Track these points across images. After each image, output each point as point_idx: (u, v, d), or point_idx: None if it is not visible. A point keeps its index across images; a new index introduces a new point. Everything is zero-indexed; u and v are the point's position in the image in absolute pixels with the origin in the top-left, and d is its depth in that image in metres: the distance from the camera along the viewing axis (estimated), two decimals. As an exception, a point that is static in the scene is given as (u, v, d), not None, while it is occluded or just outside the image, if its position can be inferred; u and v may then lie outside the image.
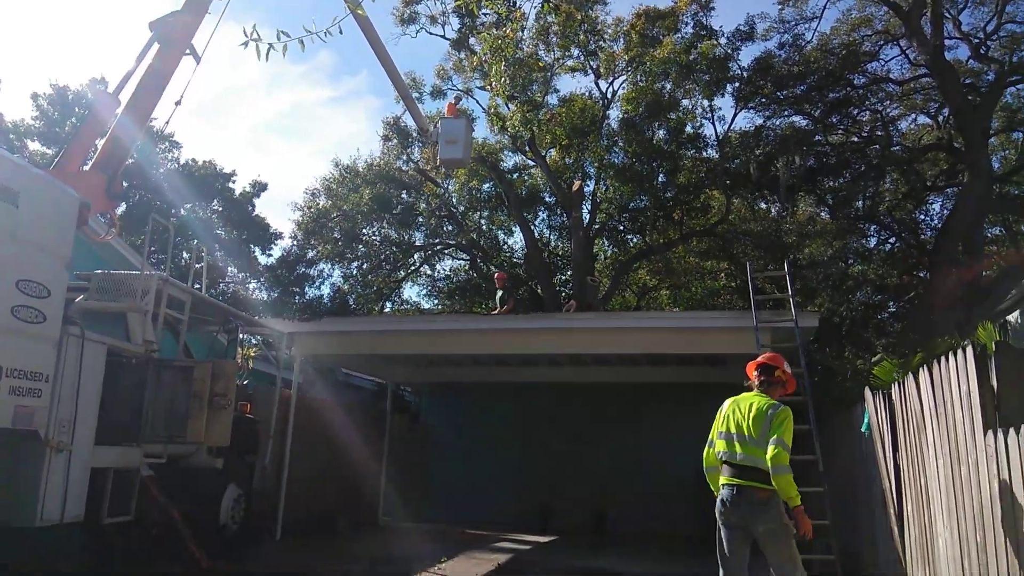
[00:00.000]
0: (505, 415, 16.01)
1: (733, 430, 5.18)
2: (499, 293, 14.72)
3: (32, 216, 5.89)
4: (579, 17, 19.06)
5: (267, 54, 4.33)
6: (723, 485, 5.16)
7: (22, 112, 42.02)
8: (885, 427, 7.45)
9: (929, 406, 6.03)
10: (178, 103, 8.69)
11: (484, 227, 24.71)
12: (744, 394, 5.41)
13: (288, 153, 63.08)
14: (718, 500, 5.19)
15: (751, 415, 5.12)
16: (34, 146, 22.79)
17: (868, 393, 8.20)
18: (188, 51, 8.60)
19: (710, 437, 5.41)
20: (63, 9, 53.82)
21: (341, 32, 4.25)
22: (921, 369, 6.34)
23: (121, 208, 8.64)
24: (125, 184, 8.75)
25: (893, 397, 7.24)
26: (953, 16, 18.74)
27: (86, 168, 8.18)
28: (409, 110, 11.49)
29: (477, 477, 15.59)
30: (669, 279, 23.97)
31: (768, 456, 4.82)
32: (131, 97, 8.25)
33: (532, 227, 22.97)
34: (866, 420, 8.15)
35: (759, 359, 5.56)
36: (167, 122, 14.12)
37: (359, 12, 4.65)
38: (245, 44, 4.24)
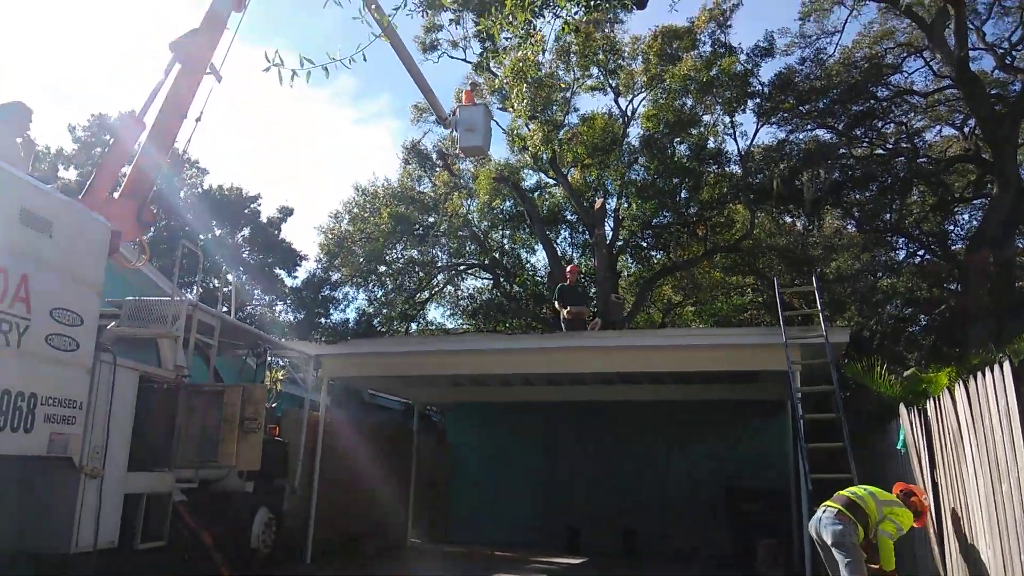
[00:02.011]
0: (531, 434, 15.94)
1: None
2: (559, 290, 13.61)
3: (65, 245, 5.98)
4: (598, 37, 19.16)
5: (291, 80, 4.35)
6: None
7: (61, 141, 42.85)
8: (921, 444, 7.30)
9: (966, 421, 5.90)
10: (198, 120, 8.52)
11: (506, 246, 24.78)
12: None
13: (313, 174, 63.79)
14: None
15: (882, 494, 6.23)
16: (69, 174, 23.23)
17: (903, 409, 8.05)
18: (209, 70, 8.52)
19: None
20: (105, 38, 54.77)
21: (365, 59, 4.27)
22: (956, 384, 6.22)
23: (150, 233, 8.73)
24: (155, 210, 8.79)
25: (928, 413, 7.10)
26: (977, 27, 18.58)
27: (116, 195, 8.25)
28: (428, 100, 11.44)
29: (504, 497, 15.51)
30: (694, 295, 23.85)
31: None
32: (155, 121, 8.17)
33: (555, 245, 22.98)
34: (901, 437, 7.99)
35: (910, 489, 6.50)
36: (188, 140, 14.23)
37: (383, 38, 4.68)
38: (267, 69, 4.26)
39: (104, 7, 52.83)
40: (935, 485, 6.93)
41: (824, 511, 6.11)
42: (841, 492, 6.18)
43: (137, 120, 8.31)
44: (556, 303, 13.31)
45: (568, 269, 14.60)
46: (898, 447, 8.10)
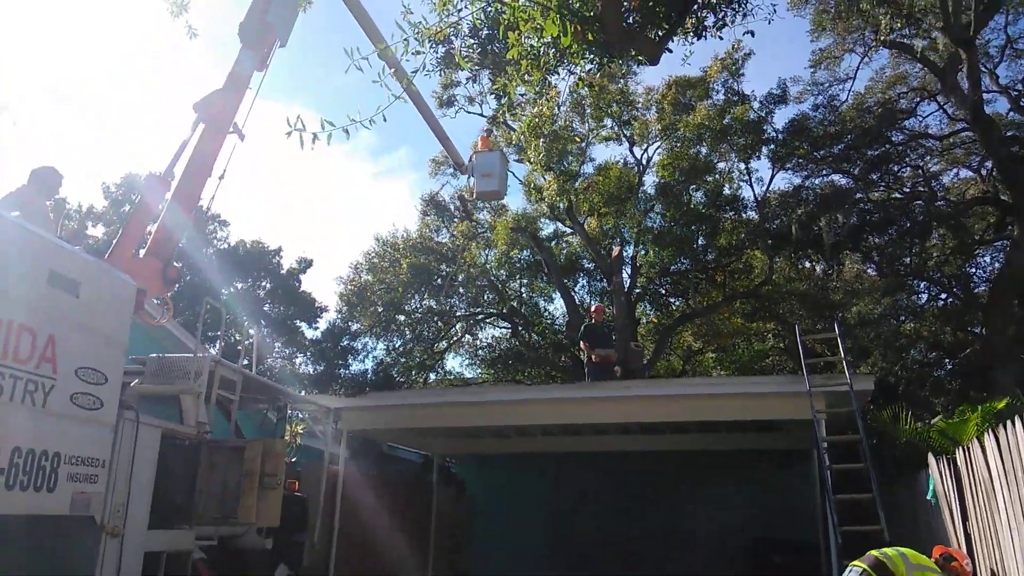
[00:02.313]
0: (553, 485, 15.75)
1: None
2: (585, 328, 13.27)
3: (91, 305, 6.07)
4: (611, 89, 19.45)
5: (312, 143, 4.45)
6: None
7: (92, 198, 43.66)
8: (952, 494, 7.14)
9: (998, 472, 5.78)
10: (221, 177, 8.61)
11: (524, 295, 24.82)
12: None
13: (331, 227, 64.60)
14: None
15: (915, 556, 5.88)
16: (97, 231, 23.68)
17: (932, 459, 7.89)
18: (232, 129, 8.62)
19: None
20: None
21: (385, 120, 4.36)
22: (986, 433, 6.10)
23: (174, 290, 8.77)
24: (178, 265, 8.89)
25: (958, 462, 6.95)
26: (990, 70, 18.71)
27: (141, 253, 8.36)
28: (445, 148, 11.57)
29: (526, 549, 15.24)
30: (715, 342, 23.68)
31: None
32: (180, 180, 8.25)
33: (573, 293, 22.99)
34: (931, 487, 7.82)
35: (950, 553, 6.17)
36: (212, 198, 14.42)
37: (403, 100, 4.80)
38: (289, 134, 4.36)
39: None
40: (968, 537, 6.76)
41: (850, 571, 5.92)
42: (872, 551, 5.99)
43: (162, 179, 8.44)
44: (581, 343, 13.03)
45: (593, 309, 14.33)
46: (928, 498, 7.93)
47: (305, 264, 28.28)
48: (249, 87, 8.86)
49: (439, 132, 10.78)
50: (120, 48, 56.65)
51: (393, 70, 4.88)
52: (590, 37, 5.53)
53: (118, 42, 55.86)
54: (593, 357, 12.42)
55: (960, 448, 7.00)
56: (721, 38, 7.20)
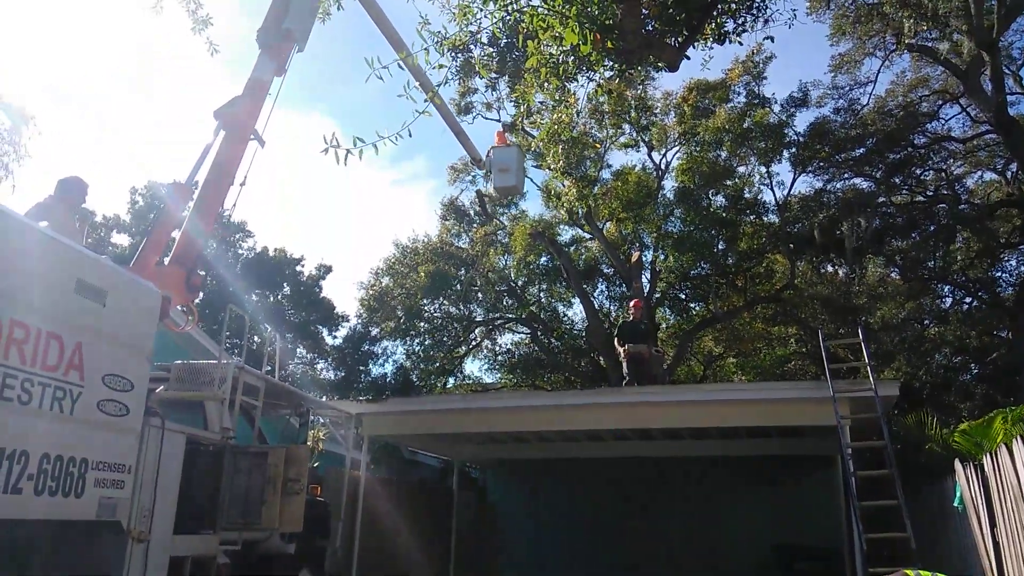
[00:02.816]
0: (575, 492, 15.71)
1: None
2: (620, 327, 13.25)
3: (117, 313, 6.14)
4: (629, 95, 19.41)
5: (345, 158, 4.54)
6: None
7: (118, 207, 44.17)
8: (979, 501, 7.04)
9: (1027, 479, 5.70)
10: (243, 184, 8.60)
11: (543, 300, 24.81)
12: None
13: (351, 233, 64.98)
14: None
15: None
16: (122, 239, 23.97)
17: (958, 465, 7.79)
18: (252, 136, 8.62)
19: None
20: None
21: (411, 135, 4.41)
22: (1015, 439, 6.02)
23: (199, 298, 8.87)
24: (202, 273, 8.98)
25: (986, 468, 6.86)
26: (1013, 72, 18.51)
27: (165, 260, 8.43)
28: (463, 144, 11.59)
29: (547, 556, 15.22)
30: (736, 346, 23.52)
31: None
32: (201, 187, 8.29)
33: (592, 299, 22.94)
34: (958, 494, 7.72)
35: None
36: (234, 204, 14.47)
37: (427, 115, 4.84)
38: (325, 151, 4.45)
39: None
40: (996, 544, 6.66)
41: None
42: (907, 571, 5.86)
43: (184, 188, 8.52)
44: (616, 341, 12.94)
45: (632, 304, 14.09)
46: (955, 504, 7.83)
47: (325, 270, 28.52)
48: (269, 93, 8.92)
49: (456, 129, 10.84)
50: (118, 46, 57.35)
51: (419, 83, 4.93)
52: (609, 45, 5.54)
53: (117, 40, 56.54)
54: (624, 352, 12.29)
55: (987, 454, 6.91)
56: (741, 43, 7.20)
